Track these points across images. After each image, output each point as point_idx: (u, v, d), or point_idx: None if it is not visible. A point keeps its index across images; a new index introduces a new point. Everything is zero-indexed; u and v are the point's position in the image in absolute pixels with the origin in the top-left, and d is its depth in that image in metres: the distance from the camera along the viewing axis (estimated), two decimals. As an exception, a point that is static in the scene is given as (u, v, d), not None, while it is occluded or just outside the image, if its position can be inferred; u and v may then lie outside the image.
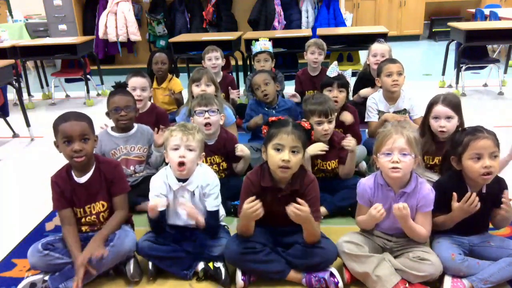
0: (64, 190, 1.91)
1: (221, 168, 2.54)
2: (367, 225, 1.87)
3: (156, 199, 1.89)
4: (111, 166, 1.97)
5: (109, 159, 2.07)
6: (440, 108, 2.25)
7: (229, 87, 3.79)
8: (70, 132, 1.82)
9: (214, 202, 1.96)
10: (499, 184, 1.82)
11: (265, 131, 1.86)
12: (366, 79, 3.65)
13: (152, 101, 3.24)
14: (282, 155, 1.74)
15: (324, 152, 2.36)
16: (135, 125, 2.56)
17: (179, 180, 1.94)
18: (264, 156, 1.85)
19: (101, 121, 2.60)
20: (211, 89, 2.99)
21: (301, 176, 1.85)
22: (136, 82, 2.94)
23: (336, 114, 2.44)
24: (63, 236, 1.91)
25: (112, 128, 2.55)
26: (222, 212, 2.10)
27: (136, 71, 3.09)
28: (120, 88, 2.53)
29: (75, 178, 1.93)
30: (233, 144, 2.55)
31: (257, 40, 3.90)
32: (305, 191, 1.84)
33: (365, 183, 1.86)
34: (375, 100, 3.02)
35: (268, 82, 3.04)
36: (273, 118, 1.87)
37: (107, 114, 2.51)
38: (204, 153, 2.01)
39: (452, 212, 1.79)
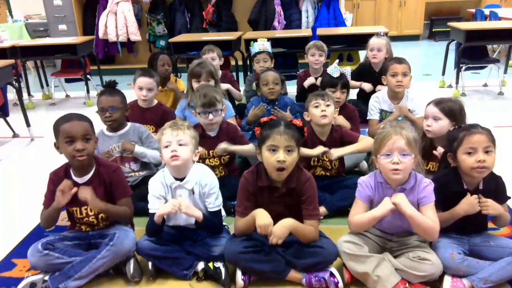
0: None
1: (222, 161, 2.53)
2: (364, 223, 1.81)
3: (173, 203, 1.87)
4: (111, 170, 1.97)
5: (109, 162, 2.06)
6: (429, 108, 2.28)
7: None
8: (73, 132, 1.83)
9: (216, 202, 1.96)
10: (496, 181, 1.83)
11: (258, 132, 1.87)
12: (366, 70, 3.73)
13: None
14: (277, 155, 1.75)
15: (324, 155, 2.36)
16: (128, 124, 2.59)
17: (177, 179, 1.94)
18: (259, 158, 1.86)
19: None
20: (211, 84, 3.01)
21: (297, 174, 1.85)
22: (142, 82, 2.95)
23: (334, 104, 2.43)
24: (41, 216, 1.94)
25: (106, 128, 2.59)
26: (222, 212, 2.09)
27: (145, 69, 3.11)
28: (109, 87, 2.54)
29: (74, 178, 1.93)
30: (236, 131, 2.58)
31: (255, 40, 3.90)
32: (302, 189, 1.84)
33: (366, 180, 1.85)
34: (378, 99, 3.03)
35: (278, 83, 3.16)
36: (265, 119, 1.88)
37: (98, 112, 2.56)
38: (198, 150, 2.00)
39: (454, 209, 1.79)
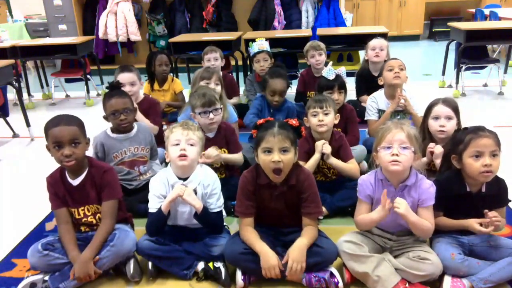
0: (57, 191, 1.92)
1: (222, 163, 2.52)
2: (367, 225, 1.84)
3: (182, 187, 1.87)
4: (101, 171, 1.95)
5: (101, 164, 2.03)
6: (440, 108, 2.27)
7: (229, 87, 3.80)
8: (60, 137, 1.81)
9: (218, 203, 1.96)
10: (498, 184, 1.82)
11: (255, 135, 1.87)
12: (365, 76, 3.69)
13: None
14: (272, 156, 1.75)
15: (326, 151, 2.35)
16: (135, 125, 2.53)
17: (180, 178, 1.94)
18: (256, 160, 1.86)
19: (101, 121, 2.59)
20: (219, 88, 3.02)
21: (296, 172, 1.86)
22: (123, 78, 2.89)
23: (334, 110, 2.43)
24: (59, 235, 1.91)
25: (111, 129, 2.48)
26: (223, 212, 2.09)
27: (122, 66, 3.05)
28: (116, 89, 2.47)
29: (69, 180, 1.93)
30: (232, 133, 2.57)
31: (254, 41, 3.90)
32: (302, 186, 1.85)
33: (366, 179, 1.86)
34: (375, 99, 3.03)
35: (284, 93, 3.10)
36: (261, 121, 1.88)
37: (105, 118, 2.46)
38: (204, 152, 2.01)
39: (460, 222, 1.80)
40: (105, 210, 1.93)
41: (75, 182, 1.92)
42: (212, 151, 2.39)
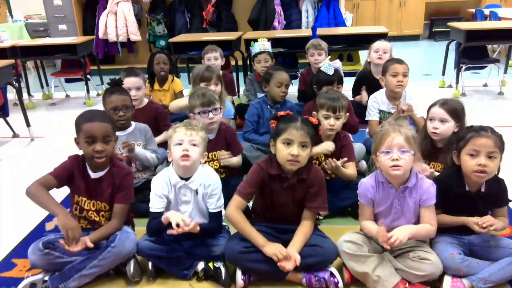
0: (72, 173, 1.92)
1: (221, 164, 2.50)
2: (369, 233, 1.86)
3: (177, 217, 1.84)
4: (123, 173, 1.97)
5: (123, 165, 2.06)
6: (436, 110, 2.26)
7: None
8: (94, 133, 1.84)
9: (217, 203, 1.96)
10: (498, 184, 1.82)
11: (273, 125, 1.88)
12: (366, 78, 3.67)
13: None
14: (291, 149, 1.77)
15: (329, 152, 2.36)
16: (132, 123, 2.57)
17: (182, 178, 1.94)
18: (272, 150, 1.87)
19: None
20: (218, 88, 3.01)
21: (307, 167, 1.87)
22: (130, 83, 2.89)
23: (345, 111, 2.43)
24: (30, 191, 1.83)
25: None
26: (222, 212, 2.09)
27: (129, 69, 3.04)
28: (117, 86, 2.51)
29: (89, 171, 1.94)
30: (233, 136, 2.57)
31: (256, 40, 3.90)
32: (312, 181, 1.86)
33: (367, 182, 1.86)
34: (376, 99, 3.02)
35: (288, 85, 3.09)
36: (282, 113, 1.89)
37: None
38: (206, 152, 2.01)
39: (458, 219, 1.81)
40: (117, 212, 1.94)
41: (95, 175, 1.94)
42: (224, 155, 2.43)
